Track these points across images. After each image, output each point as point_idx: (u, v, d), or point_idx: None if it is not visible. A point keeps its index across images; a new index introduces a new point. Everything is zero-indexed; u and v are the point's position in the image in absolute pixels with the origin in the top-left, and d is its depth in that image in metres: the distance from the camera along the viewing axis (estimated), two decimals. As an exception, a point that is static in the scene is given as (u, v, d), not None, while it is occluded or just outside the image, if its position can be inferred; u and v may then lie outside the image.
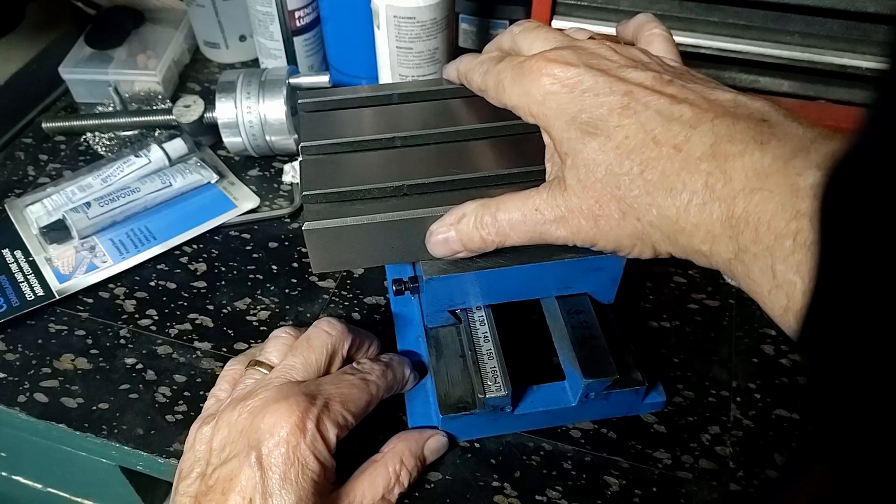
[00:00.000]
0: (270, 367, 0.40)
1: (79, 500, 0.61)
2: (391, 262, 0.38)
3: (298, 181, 0.45)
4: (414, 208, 0.36)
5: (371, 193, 0.36)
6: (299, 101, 0.42)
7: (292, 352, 0.40)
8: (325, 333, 0.40)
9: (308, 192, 0.36)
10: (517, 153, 0.38)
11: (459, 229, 0.34)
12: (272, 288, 0.52)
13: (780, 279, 0.25)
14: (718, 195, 0.27)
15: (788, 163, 0.26)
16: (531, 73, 0.33)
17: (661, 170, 0.29)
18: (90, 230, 0.54)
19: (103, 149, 0.62)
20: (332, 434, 0.35)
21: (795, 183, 0.25)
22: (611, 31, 0.55)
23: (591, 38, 0.36)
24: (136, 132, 0.63)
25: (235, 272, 0.53)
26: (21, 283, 0.51)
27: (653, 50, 0.35)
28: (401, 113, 0.41)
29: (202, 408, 0.41)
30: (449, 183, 0.37)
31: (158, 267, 0.53)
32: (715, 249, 0.28)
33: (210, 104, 0.59)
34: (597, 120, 0.31)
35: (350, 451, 0.38)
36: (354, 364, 0.40)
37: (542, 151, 0.36)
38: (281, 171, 0.60)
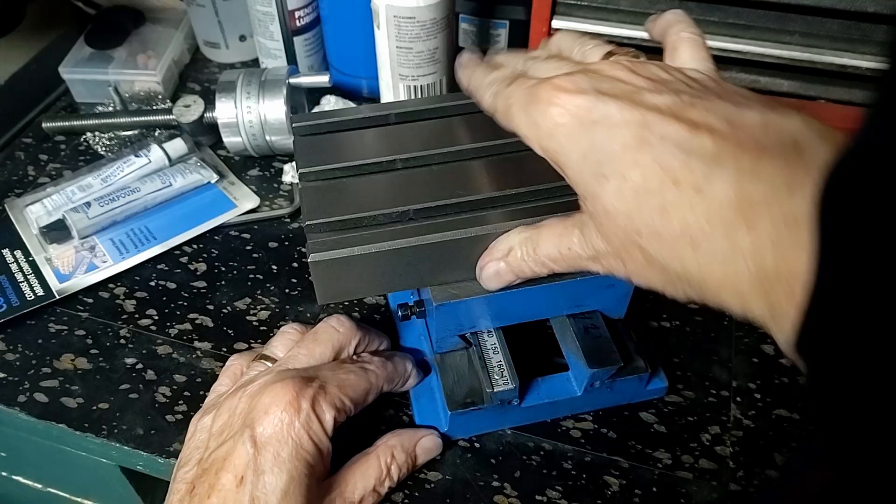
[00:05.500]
0: (275, 361, 0.40)
1: (79, 500, 0.61)
2: (400, 289, 0.37)
3: (298, 183, 0.44)
4: (421, 234, 0.35)
5: (376, 220, 0.35)
6: (293, 125, 0.40)
7: (298, 344, 0.40)
8: (333, 329, 0.40)
9: (311, 222, 0.35)
10: (523, 171, 0.37)
11: (509, 262, 0.34)
12: (272, 288, 0.52)
13: None
14: (742, 248, 0.24)
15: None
16: (539, 103, 0.31)
17: (682, 218, 0.26)
18: (90, 230, 0.54)
19: (103, 149, 0.62)
20: (328, 415, 0.35)
21: None
22: (611, 31, 0.55)
23: (609, 53, 0.34)
24: (136, 132, 0.63)
25: (235, 272, 0.53)
26: (21, 283, 0.51)
27: (679, 56, 0.33)
28: (400, 133, 0.40)
29: (202, 406, 0.41)
30: (455, 206, 0.36)
31: (158, 267, 0.53)
32: (747, 307, 0.25)
33: (210, 104, 0.59)
34: (610, 158, 0.28)
35: (352, 449, 0.38)
36: (353, 356, 0.41)
37: (547, 168, 0.35)
38: (281, 171, 0.60)
